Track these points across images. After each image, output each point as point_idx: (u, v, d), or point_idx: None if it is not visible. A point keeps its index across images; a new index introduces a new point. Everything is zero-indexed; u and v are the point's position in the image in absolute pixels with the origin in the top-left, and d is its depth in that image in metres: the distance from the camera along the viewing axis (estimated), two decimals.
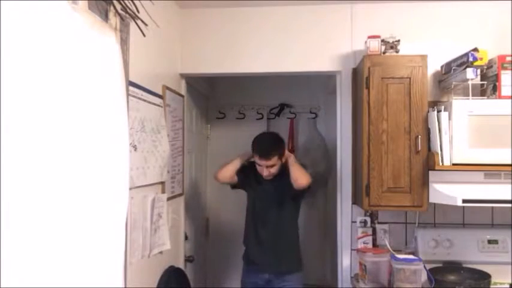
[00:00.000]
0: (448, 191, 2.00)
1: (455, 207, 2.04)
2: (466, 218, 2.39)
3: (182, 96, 2.57)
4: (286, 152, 2.49)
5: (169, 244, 2.12)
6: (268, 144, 2.45)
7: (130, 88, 1.73)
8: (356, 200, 2.38)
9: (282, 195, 2.47)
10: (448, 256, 2.29)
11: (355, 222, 2.42)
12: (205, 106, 3.48)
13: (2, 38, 0.92)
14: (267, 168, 2.40)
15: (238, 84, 3.43)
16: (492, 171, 2.02)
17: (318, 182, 3.11)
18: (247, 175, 2.55)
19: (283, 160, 2.45)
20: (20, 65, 0.98)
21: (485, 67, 2.13)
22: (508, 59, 2.08)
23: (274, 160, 2.40)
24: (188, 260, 2.68)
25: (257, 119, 3.52)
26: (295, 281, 2.48)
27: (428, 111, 2.12)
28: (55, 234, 1.10)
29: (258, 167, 2.44)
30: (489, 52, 2.12)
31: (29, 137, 1.01)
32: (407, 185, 2.12)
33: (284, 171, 2.45)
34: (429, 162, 2.09)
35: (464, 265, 2.26)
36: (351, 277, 2.41)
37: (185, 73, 2.59)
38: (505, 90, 2.07)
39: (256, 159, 2.41)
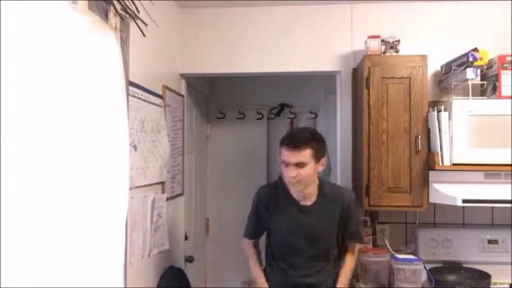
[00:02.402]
0: (448, 191, 2.00)
1: (455, 207, 2.04)
2: (466, 218, 2.39)
3: (182, 96, 2.57)
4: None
5: (169, 244, 2.12)
6: (302, 133, 1.82)
7: (131, 88, 1.73)
8: (356, 200, 2.38)
9: (327, 229, 1.88)
10: (448, 256, 2.29)
11: None
12: (205, 106, 3.48)
13: (2, 38, 0.92)
14: (295, 167, 1.75)
15: (238, 84, 3.42)
16: (492, 171, 2.02)
17: None
18: (267, 208, 1.92)
19: (319, 168, 1.83)
20: (20, 65, 0.98)
21: (485, 67, 2.13)
22: (508, 59, 2.08)
23: (307, 155, 1.74)
24: (188, 260, 2.68)
25: (257, 119, 3.52)
26: None
27: (428, 111, 2.12)
28: (55, 234, 1.10)
29: (284, 170, 1.80)
30: (489, 52, 2.12)
31: (29, 137, 1.01)
32: (407, 185, 2.12)
33: (325, 193, 1.90)
34: (429, 162, 2.09)
35: (464, 265, 2.26)
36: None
37: (185, 73, 2.59)
38: (505, 90, 2.07)
39: (283, 154, 1.78)
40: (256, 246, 2.07)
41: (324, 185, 1.92)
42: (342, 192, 1.97)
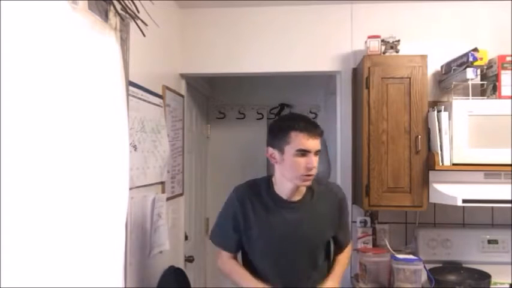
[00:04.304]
0: (448, 191, 2.00)
1: (455, 207, 2.04)
2: (466, 218, 2.39)
3: (182, 96, 2.57)
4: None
5: (168, 244, 2.11)
6: (309, 119, 1.62)
7: (131, 88, 1.73)
8: (356, 200, 2.38)
9: (320, 231, 1.64)
10: (448, 256, 2.29)
11: (355, 222, 2.42)
12: (205, 106, 3.48)
13: (2, 38, 0.92)
14: (315, 156, 1.53)
15: (238, 84, 3.43)
16: (492, 171, 2.02)
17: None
18: (245, 214, 1.63)
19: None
20: (20, 65, 0.98)
21: (485, 67, 2.13)
22: (508, 59, 2.08)
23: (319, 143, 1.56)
24: (188, 260, 2.68)
25: (257, 119, 3.52)
26: None
27: (428, 111, 2.12)
28: (55, 234, 1.10)
29: (297, 161, 1.51)
30: (489, 52, 2.12)
31: (29, 137, 1.01)
32: (407, 185, 2.12)
33: (312, 188, 1.66)
34: (429, 162, 2.09)
35: (464, 265, 2.26)
36: (351, 277, 2.41)
37: (185, 73, 2.59)
38: (505, 90, 2.07)
39: (300, 142, 1.50)
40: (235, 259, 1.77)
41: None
42: (332, 186, 1.76)
